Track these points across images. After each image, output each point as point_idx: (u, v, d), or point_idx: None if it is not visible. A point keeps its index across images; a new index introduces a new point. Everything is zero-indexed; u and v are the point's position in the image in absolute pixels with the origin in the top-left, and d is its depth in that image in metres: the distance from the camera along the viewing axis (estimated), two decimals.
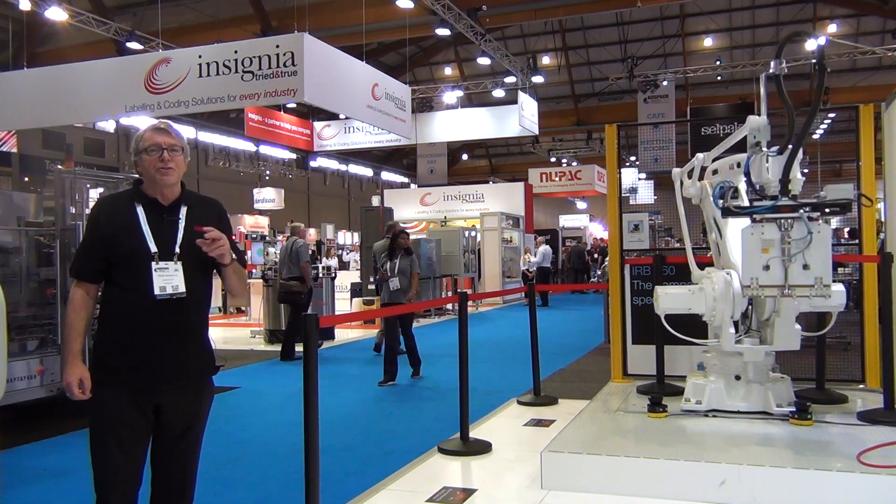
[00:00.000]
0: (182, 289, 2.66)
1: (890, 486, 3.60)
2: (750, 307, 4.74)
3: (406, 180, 36.92)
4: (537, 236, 23.65)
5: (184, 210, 2.75)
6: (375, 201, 22.20)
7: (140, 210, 2.69)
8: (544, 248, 19.58)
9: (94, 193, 7.26)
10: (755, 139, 4.32)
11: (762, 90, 4.72)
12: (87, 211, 6.94)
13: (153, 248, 2.65)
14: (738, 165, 4.68)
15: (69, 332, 2.69)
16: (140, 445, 2.69)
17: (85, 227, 2.83)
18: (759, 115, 4.58)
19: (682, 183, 5.47)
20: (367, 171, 37.11)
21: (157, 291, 2.62)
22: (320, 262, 18.36)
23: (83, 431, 5.69)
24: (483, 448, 4.98)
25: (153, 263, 2.63)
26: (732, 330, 4.64)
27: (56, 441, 5.55)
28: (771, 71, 4.47)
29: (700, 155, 5.17)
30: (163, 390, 2.66)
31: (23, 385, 5.74)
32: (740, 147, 4.82)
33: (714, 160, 5.21)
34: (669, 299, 4.79)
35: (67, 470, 4.82)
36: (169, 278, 2.65)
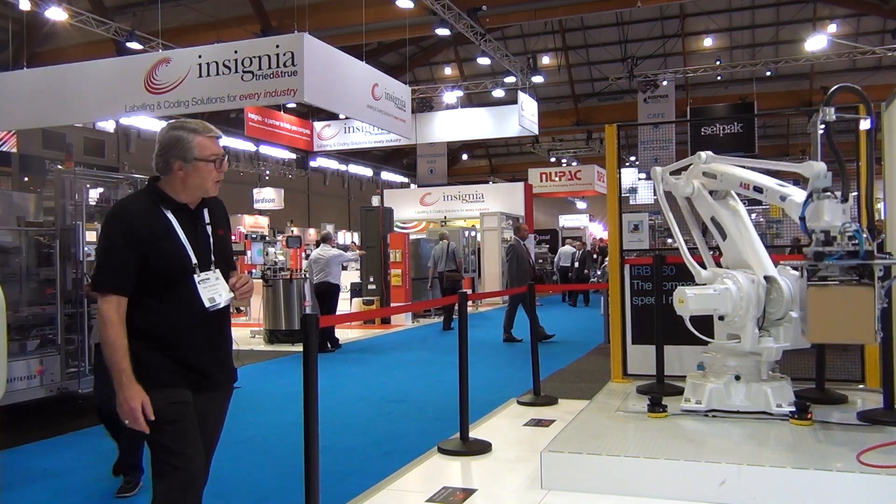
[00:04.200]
0: (227, 297, 2.61)
1: (890, 486, 3.59)
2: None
3: (406, 180, 36.92)
4: (537, 236, 23.64)
5: (206, 213, 2.67)
6: (375, 201, 22.16)
7: (171, 216, 2.57)
8: (566, 248, 19.75)
9: (94, 193, 7.26)
10: (819, 186, 4.21)
11: (818, 138, 4.56)
12: (96, 211, 6.95)
13: (194, 258, 2.55)
14: (756, 190, 4.61)
15: (116, 352, 2.45)
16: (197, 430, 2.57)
17: (106, 233, 2.57)
18: (817, 160, 4.31)
19: (662, 180, 5.47)
20: (366, 171, 37.12)
21: (207, 304, 2.54)
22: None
23: (83, 431, 5.73)
24: (483, 448, 4.98)
25: (195, 276, 2.54)
26: (756, 330, 4.63)
27: (56, 441, 5.55)
28: (823, 117, 4.32)
29: (702, 154, 5.15)
30: (202, 399, 2.59)
31: (22, 385, 5.74)
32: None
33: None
34: (697, 301, 4.69)
35: (67, 470, 4.83)
36: (213, 288, 2.58)
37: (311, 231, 31.68)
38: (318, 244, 12.15)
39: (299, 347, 2.79)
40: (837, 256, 4.02)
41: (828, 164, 4.17)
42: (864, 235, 3.97)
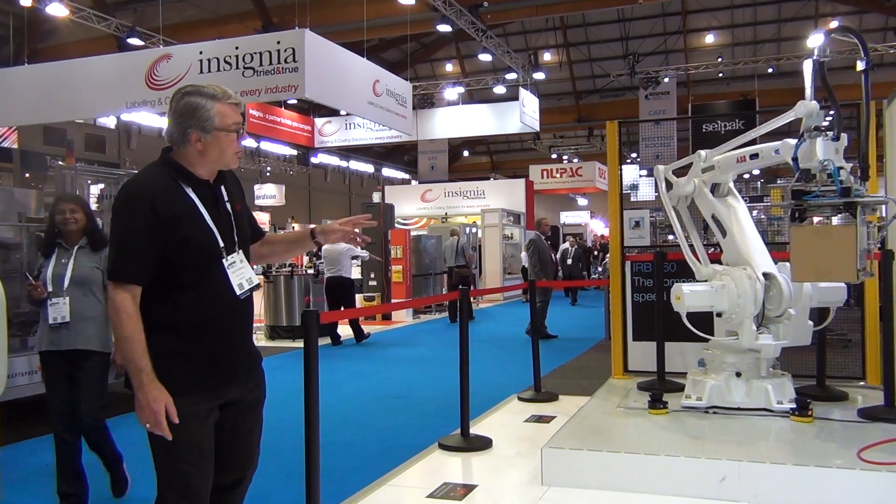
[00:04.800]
0: (255, 280, 2.42)
1: (890, 483, 3.60)
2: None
3: (407, 177, 36.91)
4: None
5: (223, 190, 2.44)
6: (376, 197, 22.18)
7: (192, 194, 2.32)
8: (567, 245, 19.74)
9: (95, 189, 7.27)
10: (812, 124, 4.20)
11: (808, 76, 4.55)
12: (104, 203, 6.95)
13: (221, 241, 2.33)
14: (752, 157, 4.64)
15: (133, 349, 2.19)
16: (213, 449, 2.37)
17: (122, 215, 2.27)
18: (806, 99, 4.29)
19: (665, 180, 5.47)
20: (368, 168, 37.10)
21: (238, 291, 2.35)
22: (321, 260, 18.31)
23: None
24: (484, 444, 4.99)
25: (224, 260, 2.33)
26: (754, 327, 4.63)
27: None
28: (815, 56, 4.33)
29: (702, 152, 5.15)
30: (234, 389, 2.41)
31: (24, 381, 5.75)
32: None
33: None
34: (693, 297, 4.69)
35: None
36: (241, 272, 2.37)
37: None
38: None
39: (300, 343, 2.79)
40: (815, 194, 4.01)
41: (821, 105, 4.17)
42: (846, 174, 3.94)
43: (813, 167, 4.05)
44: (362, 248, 11.85)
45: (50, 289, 3.89)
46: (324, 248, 11.84)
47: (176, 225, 2.24)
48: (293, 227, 22.25)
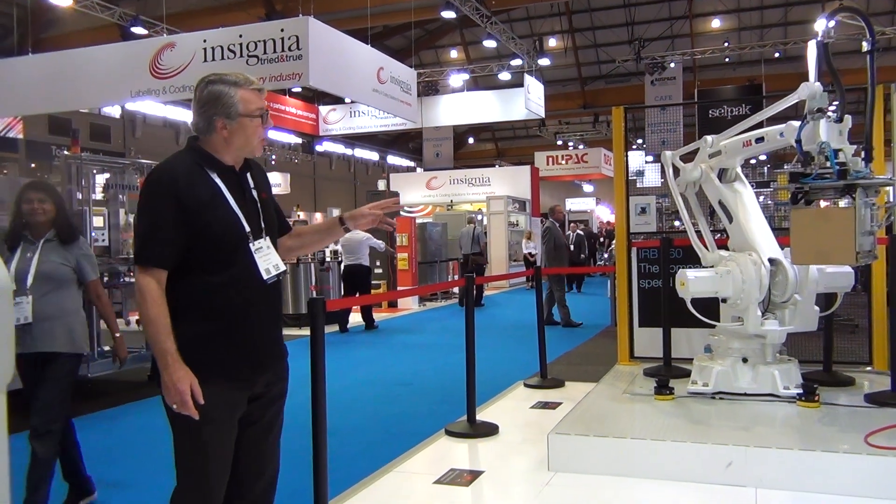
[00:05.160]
0: (283, 267, 2.43)
1: None
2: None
3: (412, 164, 36.87)
4: (543, 220, 23.60)
5: (249, 176, 2.45)
6: (381, 185, 22.17)
7: (218, 180, 2.33)
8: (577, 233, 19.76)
9: (101, 179, 7.29)
10: (815, 106, 4.18)
11: (812, 58, 4.52)
12: (96, 195, 6.98)
13: (247, 226, 2.35)
14: (758, 141, 4.61)
15: (158, 331, 2.22)
16: (233, 446, 2.39)
17: (148, 200, 2.31)
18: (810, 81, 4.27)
19: (673, 166, 5.44)
20: (372, 156, 37.06)
21: (264, 275, 2.35)
22: (327, 247, 18.31)
23: (91, 415, 5.77)
24: (490, 430, 5.00)
25: (251, 245, 2.34)
26: (759, 312, 4.63)
27: None
28: (819, 38, 4.30)
29: (708, 138, 5.12)
30: (261, 380, 2.41)
31: None
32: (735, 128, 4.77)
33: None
34: (698, 283, 4.68)
35: None
36: (268, 258, 2.38)
37: (318, 215, 31.69)
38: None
39: (306, 331, 2.79)
40: (813, 176, 4.00)
41: (827, 88, 4.13)
42: (847, 156, 3.92)
43: (812, 149, 4.04)
44: (389, 231, 12.08)
45: (13, 287, 3.58)
46: (343, 236, 12.03)
47: (201, 210, 2.26)
48: (298, 216, 22.28)
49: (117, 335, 3.83)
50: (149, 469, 4.45)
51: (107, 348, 6.79)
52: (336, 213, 25.76)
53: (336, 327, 10.76)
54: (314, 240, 2.80)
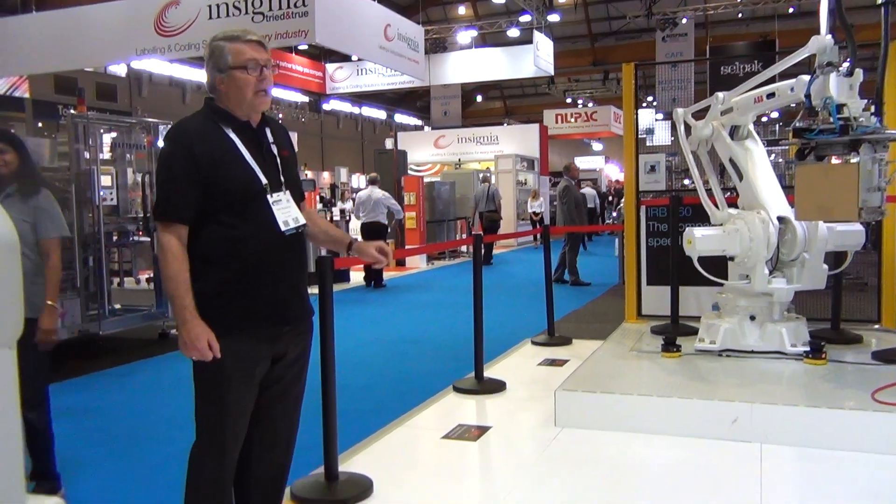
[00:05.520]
0: (302, 220, 2.44)
1: None
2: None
3: (420, 123, 36.63)
4: (552, 178, 23.49)
5: (269, 132, 2.48)
6: (389, 144, 22.05)
7: (233, 135, 2.36)
8: (588, 191, 19.71)
9: (108, 138, 7.27)
10: (825, 60, 4.11)
11: (824, 10, 4.42)
12: (103, 155, 6.97)
13: (263, 179, 2.37)
14: (769, 97, 4.55)
15: (177, 287, 2.26)
16: (252, 405, 2.44)
17: (165, 158, 2.36)
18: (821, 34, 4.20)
19: (685, 123, 5.39)
20: (380, 114, 36.82)
21: (282, 227, 2.36)
22: (335, 206, 18.42)
23: (105, 372, 5.83)
24: (497, 387, 5.05)
25: (268, 197, 2.37)
26: (766, 271, 4.62)
27: (79, 381, 5.68)
28: None
29: (720, 94, 5.06)
30: (285, 336, 2.44)
31: None
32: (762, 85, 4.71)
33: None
34: (705, 241, 4.67)
35: (90, 408, 4.95)
36: (286, 211, 2.40)
37: (325, 174, 31.65)
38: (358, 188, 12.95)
39: (314, 290, 2.81)
40: (816, 132, 3.96)
41: (838, 43, 4.07)
42: (854, 111, 3.87)
43: (817, 104, 3.98)
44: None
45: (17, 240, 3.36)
46: (359, 194, 12.17)
47: (215, 164, 2.29)
48: (306, 175, 22.21)
49: (49, 303, 3.29)
50: (161, 424, 4.52)
51: (118, 306, 6.86)
52: (343, 171, 25.57)
53: (344, 285, 10.81)
54: (320, 238, 2.73)
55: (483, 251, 13.89)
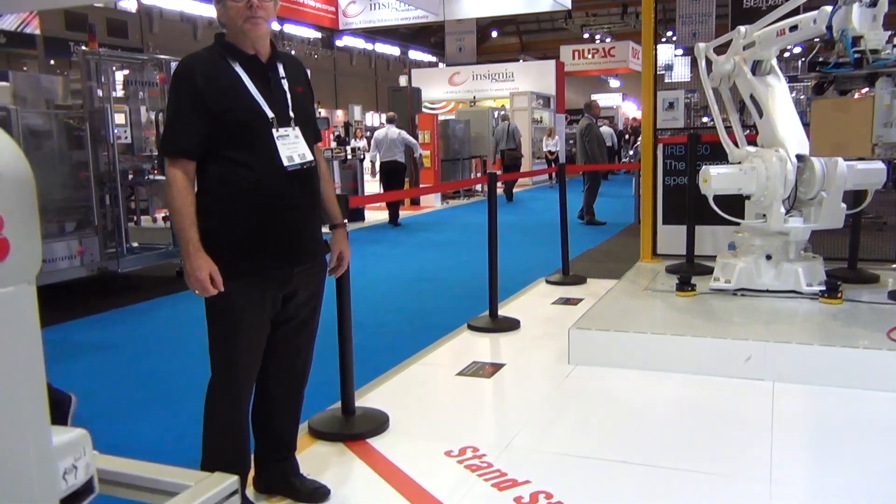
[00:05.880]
0: (309, 157, 2.41)
1: None
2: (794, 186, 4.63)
3: (434, 59, 36.05)
4: (569, 116, 23.18)
5: (281, 68, 2.43)
6: (403, 81, 21.79)
7: (239, 69, 2.34)
8: (605, 129, 19.44)
9: (120, 76, 7.21)
10: None
11: None
12: (116, 93, 6.93)
13: (269, 112, 2.34)
14: (792, 29, 4.43)
15: (182, 221, 2.27)
16: (264, 341, 2.48)
17: (171, 93, 2.35)
18: None
19: (706, 59, 5.27)
20: (394, 51, 36.25)
21: (285, 162, 2.33)
22: (349, 144, 18.32)
23: (124, 308, 5.93)
24: (512, 325, 5.08)
25: (273, 131, 2.34)
26: (783, 209, 4.57)
27: (97, 318, 5.78)
28: None
29: (741, 28, 4.93)
30: (296, 275, 2.44)
31: (65, 265, 5.93)
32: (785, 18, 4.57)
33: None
34: (720, 179, 4.62)
35: (109, 344, 5.04)
36: (293, 146, 2.36)
37: (339, 112, 31.41)
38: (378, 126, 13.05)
39: (325, 228, 2.80)
40: (832, 65, 3.88)
41: None
42: (873, 43, 3.77)
43: (837, 36, 3.87)
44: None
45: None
46: (377, 133, 12.17)
47: (220, 97, 2.28)
48: (319, 113, 22.03)
49: None
50: (180, 359, 4.61)
51: (135, 245, 6.93)
52: (357, 109, 25.33)
53: (359, 224, 10.84)
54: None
55: (504, 188, 14.22)
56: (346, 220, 2.72)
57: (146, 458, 1.22)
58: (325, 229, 2.62)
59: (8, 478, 0.91)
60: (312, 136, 2.50)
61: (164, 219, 7.55)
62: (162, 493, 1.13)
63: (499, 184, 14.84)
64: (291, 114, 2.40)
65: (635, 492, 2.74)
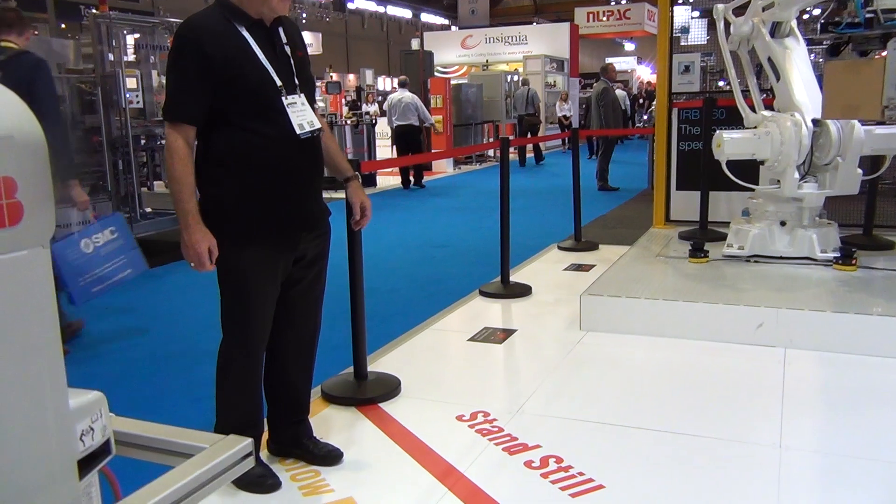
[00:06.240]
0: (317, 124, 2.39)
1: None
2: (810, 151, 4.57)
3: (446, 22, 35.64)
4: (582, 80, 22.91)
5: (282, 32, 2.39)
6: (415, 45, 21.54)
7: (246, 34, 2.27)
8: (619, 93, 19.22)
9: (131, 40, 7.17)
10: None
11: None
12: (127, 57, 6.90)
13: (278, 80, 2.30)
14: None
15: (181, 189, 2.21)
16: (275, 305, 2.49)
17: (173, 56, 2.27)
18: None
19: (724, 20, 5.18)
20: (405, 13, 35.85)
21: (297, 130, 2.30)
22: (360, 109, 18.24)
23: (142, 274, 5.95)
24: (523, 291, 5.09)
25: (283, 99, 2.30)
26: (797, 175, 4.52)
27: None
28: None
29: None
30: (304, 240, 2.47)
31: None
32: None
33: None
34: (734, 144, 4.56)
35: (125, 307, 5.10)
36: (301, 113, 2.33)
37: (351, 76, 31.19)
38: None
39: (341, 194, 2.81)
40: (843, 25, 3.82)
41: None
42: (877, 2, 3.70)
43: None
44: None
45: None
46: (390, 97, 12.15)
47: (227, 64, 2.22)
48: (331, 77, 21.89)
49: None
50: (194, 322, 4.66)
51: (149, 210, 6.95)
52: (369, 73, 25.12)
53: (370, 189, 10.83)
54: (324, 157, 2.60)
55: (534, 152, 14.47)
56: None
57: (162, 421, 1.23)
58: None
59: (27, 439, 0.93)
60: (312, 101, 2.49)
61: None
62: (177, 455, 1.15)
63: (511, 149, 14.92)
64: (296, 80, 2.38)
65: (645, 456, 2.76)
